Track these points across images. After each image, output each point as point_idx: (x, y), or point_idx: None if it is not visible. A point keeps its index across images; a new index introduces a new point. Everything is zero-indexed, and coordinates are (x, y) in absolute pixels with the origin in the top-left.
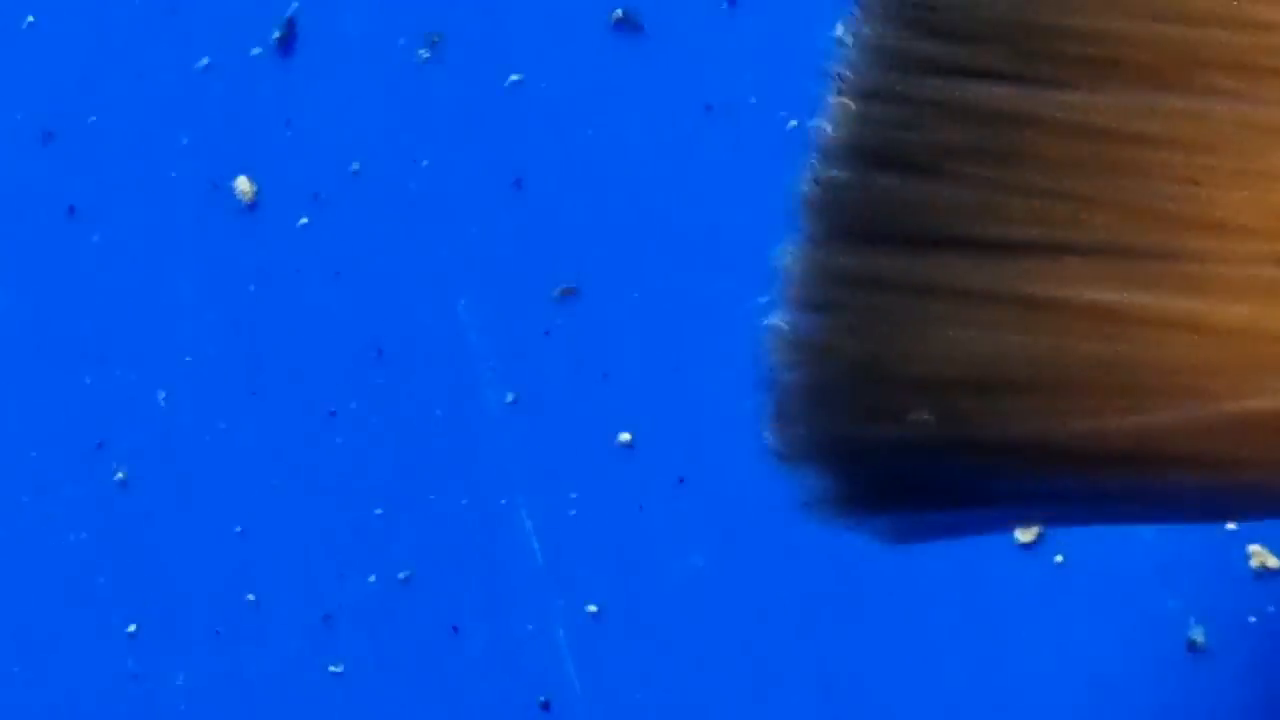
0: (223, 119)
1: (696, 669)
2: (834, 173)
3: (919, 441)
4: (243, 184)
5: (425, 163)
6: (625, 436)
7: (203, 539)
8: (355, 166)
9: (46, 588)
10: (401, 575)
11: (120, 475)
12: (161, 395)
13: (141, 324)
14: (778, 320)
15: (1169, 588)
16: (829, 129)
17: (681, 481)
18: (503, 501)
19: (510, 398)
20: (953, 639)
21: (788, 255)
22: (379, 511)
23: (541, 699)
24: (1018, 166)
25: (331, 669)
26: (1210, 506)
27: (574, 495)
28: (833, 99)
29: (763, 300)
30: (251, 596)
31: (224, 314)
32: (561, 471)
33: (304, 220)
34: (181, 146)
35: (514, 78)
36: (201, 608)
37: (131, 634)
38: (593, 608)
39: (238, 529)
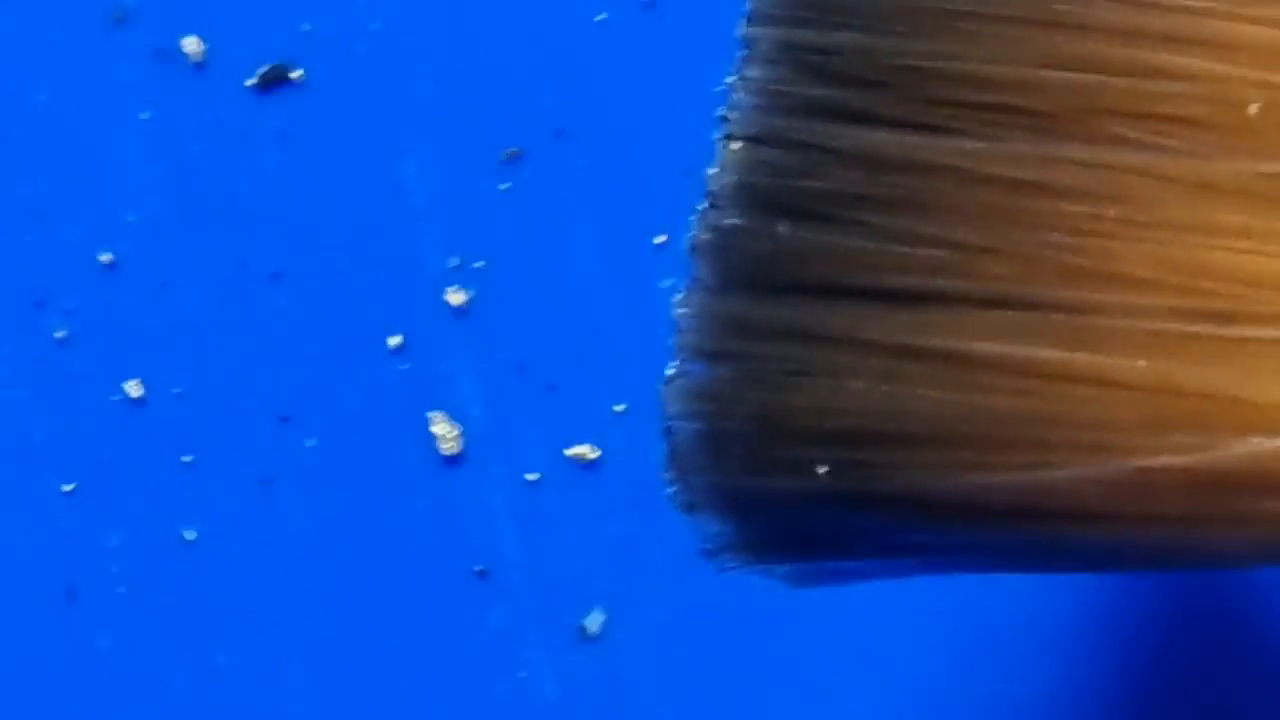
0: None
1: (634, 536)
2: (726, 219)
3: (816, 493)
4: (191, 44)
5: (375, 25)
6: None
7: (141, 399)
8: (306, 27)
9: None
10: (341, 439)
11: (60, 334)
12: (104, 256)
13: (85, 183)
14: (673, 369)
15: None
16: (720, 173)
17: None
18: (443, 366)
19: (454, 262)
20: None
21: (681, 303)
22: (319, 372)
23: (478, 568)
24: (914, 215)
25: (268, 531)
26: (1114, 561)
27: (514, 354)
28: (723, 143)
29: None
30: (188, 457)
31: (169, 174)
32: (503, 331)
33: (251, 81)
34: (130, 5)
35: None
36: (138, 468)
37: (67, 493)
38: (532, 476)
39: (176, 390)
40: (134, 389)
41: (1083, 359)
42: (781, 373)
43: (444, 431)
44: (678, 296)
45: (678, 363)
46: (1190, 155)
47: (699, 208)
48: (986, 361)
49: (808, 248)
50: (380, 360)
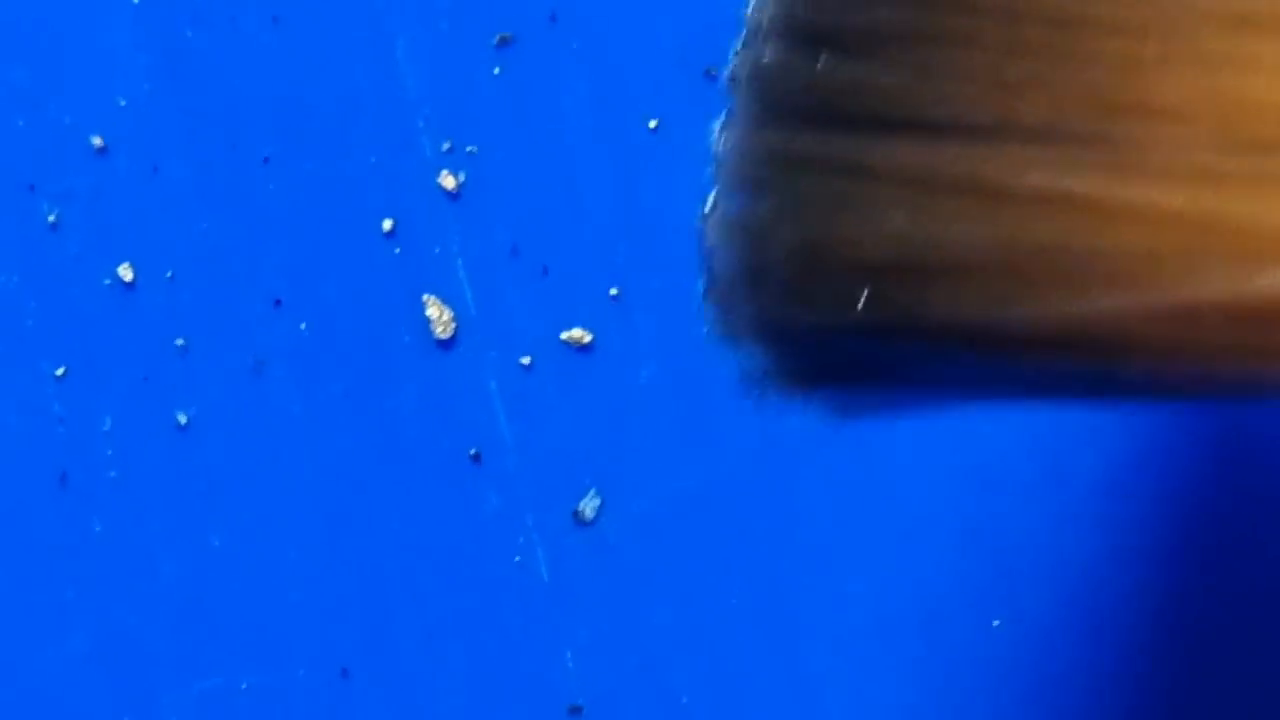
0: None
1: (628, 419)
2: (768, 53)
3: (857, 323)
4: None
5: None
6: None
7: (133, 283)
8: None
9: None
10: (334, 322)
11: (52, 218)
12: (95, 139)
13: (76, 66)
14: (713, 201)
15: None
16: (761, 7)
17: (623, 231)
18: (436, 250)
19: (447, 146)
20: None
21: (722, 136)
22: (312, 255)
23: (472, 451)
24: (955, 50)
25: (261, 415)
26: (1149, 391)
27: (507, 238)
28: None
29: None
30: (181, 341)
31: (160, 58)
32: (496, 215)
33: None
34: None
35: None
36: (131, 352)
37: (59, 377)
38: (525, 359)
39: (169, 273)
40: (126, 272)
41: (1123, 191)
42: (821, 204)
43: (437, 315)
44: (717, 128)
45: (716, 194)
46: None
47: (739, 41)
48: (1027, 194)
49: (849, 81)
50: (373, 244)
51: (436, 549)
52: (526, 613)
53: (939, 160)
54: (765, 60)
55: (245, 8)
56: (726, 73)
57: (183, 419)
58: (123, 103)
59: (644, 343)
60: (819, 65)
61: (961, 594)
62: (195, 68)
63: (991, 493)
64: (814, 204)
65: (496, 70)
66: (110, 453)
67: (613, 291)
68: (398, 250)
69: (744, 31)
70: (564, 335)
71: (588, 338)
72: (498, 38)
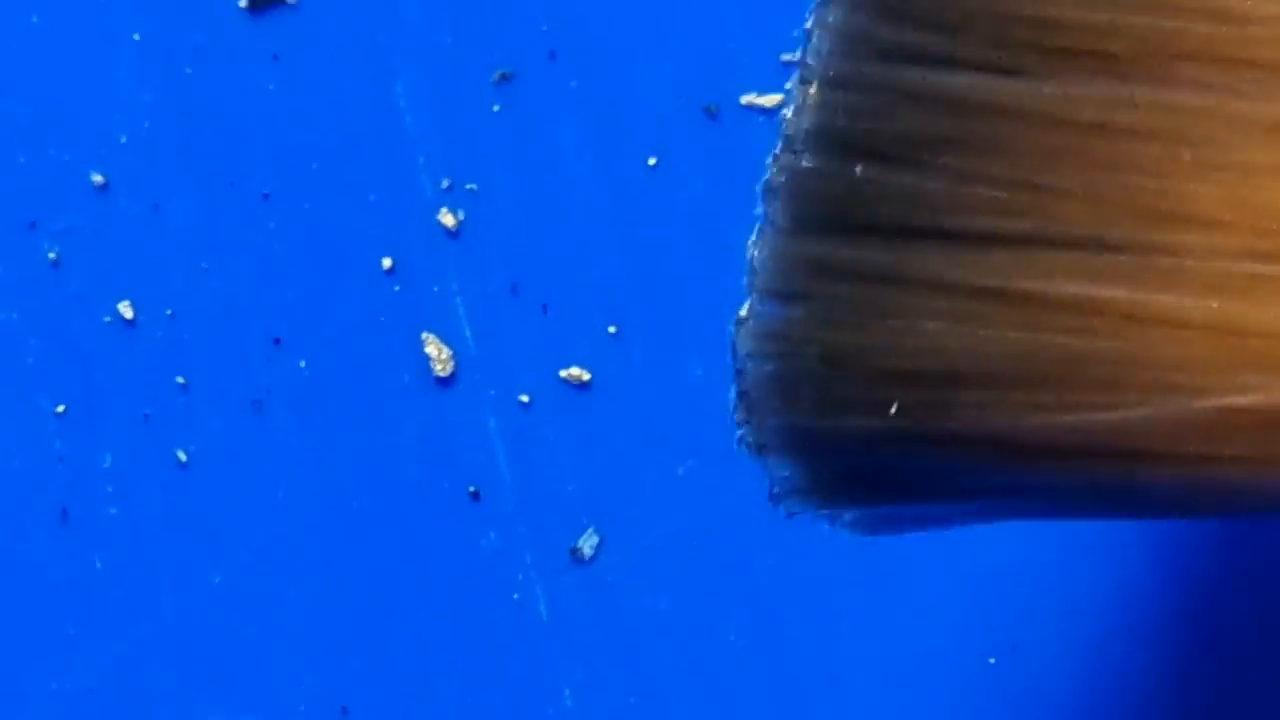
0: None
1: (627, 457)
2: (802, 161)
3: (888, 434)
4: None
5: None
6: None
7: (134, 320)
8: None
9: None
10: (334, 360)
11: (53, 255)
12: (96, 177)
13: (78, 103)
14: (745, 310)
15: None
16: (796, 117)
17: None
18: (435, 288)
19: (446, 183)
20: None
21: (754, 244)
22: (312, 293)
23: (471, 489)
24: (990, 157)
25: (261, 453)
26: (1182, 503)
27: (507, 275)
28: (800, 86)
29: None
30: (181, 379)
31: (162, 95)
32: (496, 252)
33: (243, 3)
34: None
35: None
36: (131, 389)
37: (60, 414)
38: (524, 397)
39: (169, 311)
40: (126, 310)
41: (1155, 299)
42: (854, 313)
43: (437, 353)
44: (751, 239)
45: (749, 304)
46: (1264, 98)
47: (774, 150)
48: (1059, 302)
49: (883, 189)
50: (373, 282)
51: (435, 587)
52: (525, 651)
53: (972, 268)
54: (801, 168)
55: (245, 45)
56: (761, 182)
57: (183, 456)
58: (123, 140)
59: (643, 381)
60: (855, 173)
61: (958, 632)
62: (195, 105)
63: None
64: (847, 312)
65: (496, 108)
66: (111, 490)
67: (611, 329)
68: (397, 288)
69: (780, 139)
70: (563, 373)
71: (586, 376)
72: (497, 75)
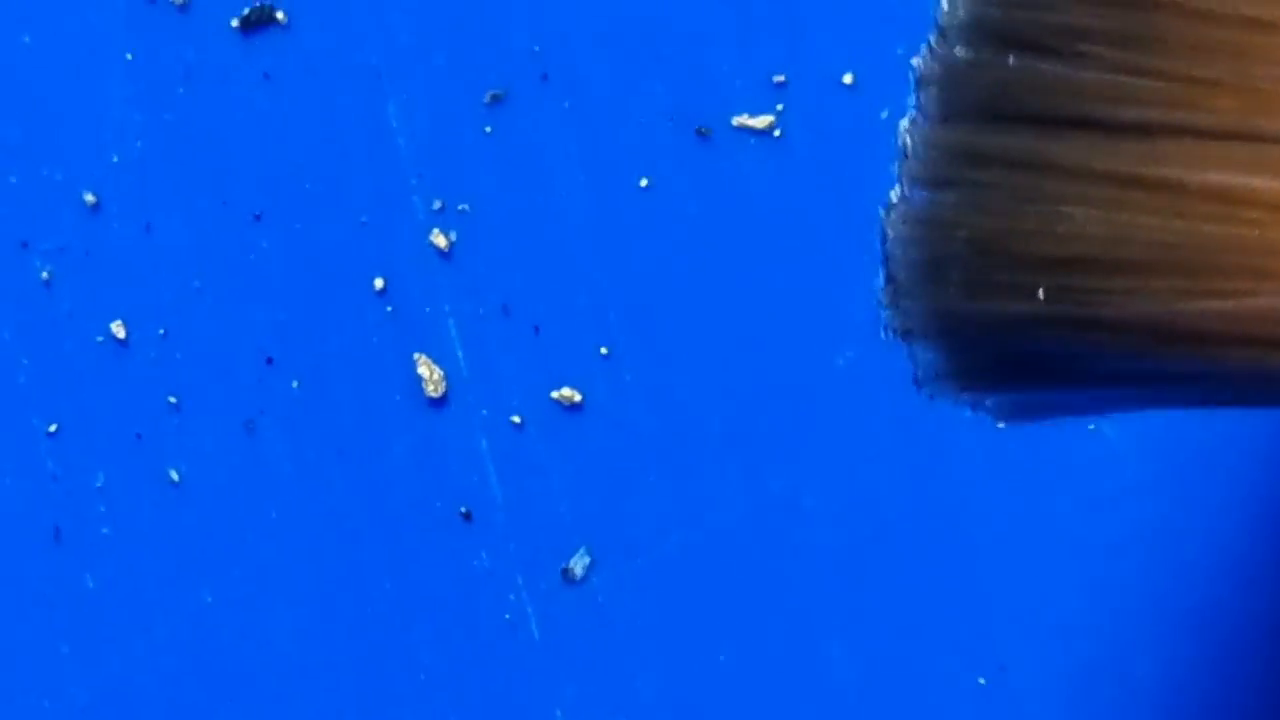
0: None
1: (618, 478)
2: (960, 52)
3: (1035, 318)
4: None
5: None
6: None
7: (126, 340)
8: None
9: None
10: (326, 380)
11: (44, 275)
12: (88, 196)
13: (69, 123)
14: (896, 195)
15: None
16: (951, 9)
17: (613, 290)
18: (427, 309)
19: (438, 204)
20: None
21: (907, 131)
22: (304, 313)
23: (463, 509)
24: (1146, 49)
25: (253, 472)
26: None
27: (498, 296)
28: None
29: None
30: (173, 398)
31: (153, 115)
32: (488, 273)
33: (235, 22)
34: None
35: None
36: (123, 409)
37: (52, 434)
38: (516, 418)
39: (161, 331)
40: (119, 330)
41: None
42: (1004, 199)
43: (429, 374)
44: (903, 123)
45: (899, 190)
46: None
47: (928, 40)
48: (1208, 191)
49: (1036, 79)
50: (365, 302)
51: (427, 607)
52: (516, 671)
53: (1122, 157)
54: (956, 58)
55: (237, 65)
56: (914, 71)
57: (175, 476)
58: (116, 159)
59: (634, 402)
60: (1009, 63)
61: (947, 653)
62: (188, 125)
63: (974, 553)
64: (997, 199)
65: (488, 129)
66: (103, 509)
67: (603, 350)
68: (389, 309)
69: (935, 30)
70: (554, 394)
71: (578, 397)
72: (489, 96)
